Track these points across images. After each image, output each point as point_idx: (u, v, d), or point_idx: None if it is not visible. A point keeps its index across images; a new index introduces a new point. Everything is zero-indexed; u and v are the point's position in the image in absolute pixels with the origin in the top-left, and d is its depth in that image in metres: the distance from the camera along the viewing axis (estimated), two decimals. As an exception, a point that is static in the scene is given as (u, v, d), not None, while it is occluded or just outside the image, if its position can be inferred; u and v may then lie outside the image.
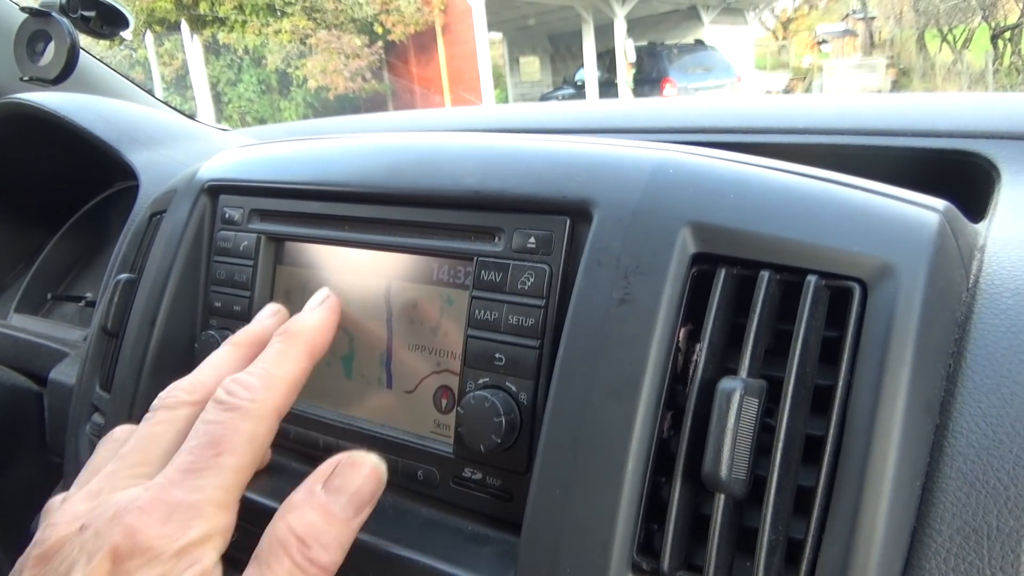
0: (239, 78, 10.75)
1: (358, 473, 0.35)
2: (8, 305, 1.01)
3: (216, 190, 0.54)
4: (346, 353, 0.47)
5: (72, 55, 1.03)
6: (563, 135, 0.46)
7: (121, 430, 0.38)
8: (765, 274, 0.34)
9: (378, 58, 11.09)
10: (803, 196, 0.36)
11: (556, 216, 0.39)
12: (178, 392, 0.37)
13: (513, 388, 0.39)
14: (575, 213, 0.39)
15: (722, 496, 0.33)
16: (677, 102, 0.96)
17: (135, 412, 0.52)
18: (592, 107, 1.00)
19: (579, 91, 13.08)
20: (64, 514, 0.32)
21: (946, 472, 0.31)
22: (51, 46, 1.05)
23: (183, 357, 0.53)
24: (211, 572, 0.31)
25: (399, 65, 11.96)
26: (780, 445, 0.32)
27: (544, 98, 14.08)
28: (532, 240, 0.40)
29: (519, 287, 0.40)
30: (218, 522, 0.32)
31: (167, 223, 0.56)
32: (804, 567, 0.31)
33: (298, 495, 0.34)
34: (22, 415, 0.72)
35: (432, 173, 0.43)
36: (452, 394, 0.43)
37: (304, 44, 10.52)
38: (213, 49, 10.72)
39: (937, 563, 0.30)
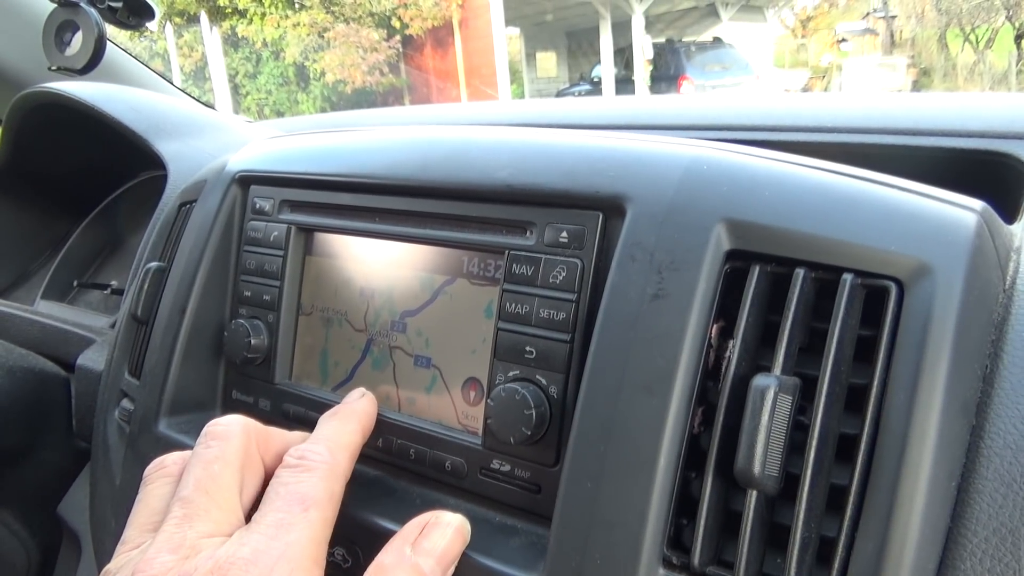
0: (257, 70, 10.80)
1: (444, 534, 0.36)
2: (35, 292, 1.03)
3: (247, 180, 0.54)
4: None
5: (100, 45, 1.04)
6: (594, 130, 0.46)
7: (172, 461, 0.39)
8: (800, 272, 0.34)
9: (395, 52, 11.12)
10: (839, 194, 0.36)
11: (589, 211, 0.39)
12: (232, 424, 0.38)
13: (543, 381, 0.39)
14: (608, 208, 0.39)
15: (754, 492, 0.33)
16: (698, 99, 0.96)
17: (165, 399, 0.52)
18: (614, 104, 1.00)
19: (596, 87, 13.04)
20: (152, 565, 0.32)
21: (982, 473, 0.31)
22: (78, 36, 1.06)
23: (213, 345, 0.54)
24: None
25: (416, 59, 11.97)
26: (814, 442, 0.32)
27: (560, 94, 14.05)
28: (564, 235, 0.40)
29: (551, 281, 0.40)
30: None
31: (198, 213, 0.56)
32: (836, 565, 0.31)
33: (388, 557, 0.35)
34: (49, 400, 0.73)
35: (464, 166, 0.44)
36: (480, 386, 0.43)
37: (322, 37, 10.55)
38: (232, 42, 10.77)
39: (972, 564, 0.30)
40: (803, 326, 0.34)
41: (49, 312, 0.90)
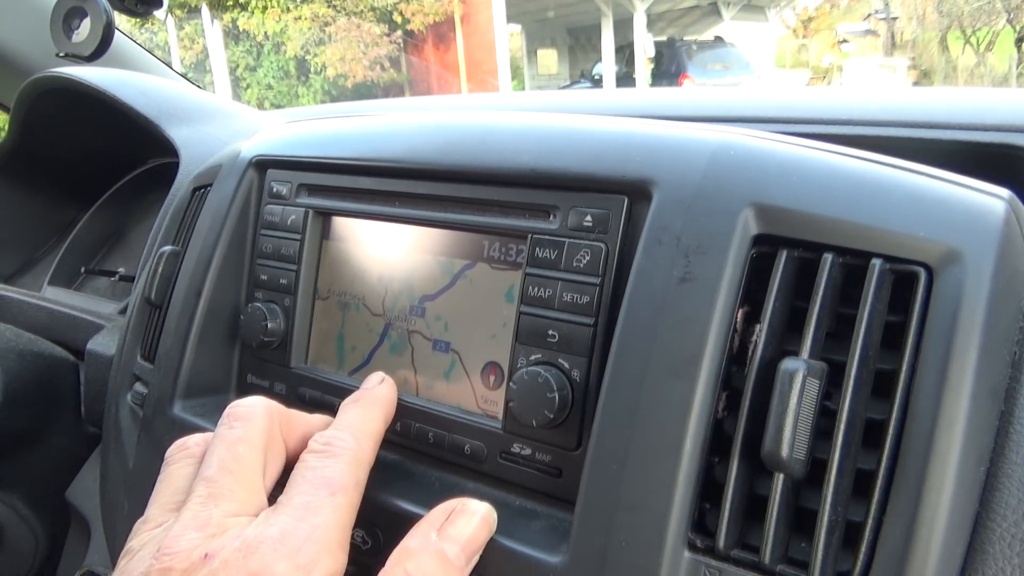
0: (258, 63, 10.78)
1: (471, 522, 0.36)
2: (40, 278, 1.03)
3: (264, 165, 0.54)
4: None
5: (108, 32, 1.04)
6: (617, 116, 0.46)
7: (195, 442, 0.39)
8: (828, 257, 0.34)
9: (397, 47, 11.09)
10: (867, 180, 0.35)
11: (614, 195, 0.39)
12: (256, 406, 0.38)
13: (566, 365, 0.39)
14: (634, 193, 0.39)
15: (780, 476, 0.33)
16: (709, 92, 0.96)
17: (180, 382, 0.52)
18: (616, 96, 1.00)
19: (597, 85, 13.02)
20: (178, 542, 0.32)
21: (1011, 458, 0.31)
22: (86, 22, 1.06)
23: (228, 328, 0.54)
24: None
25: (417, 54, 11.95)
26: (842, 426, 0.32)
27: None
28: (588, 219, 0.40)
29: (574, 265, 0.40)
30: (338, 561, 0.34)
31: (213, 196, 0.56)
32: (863, 548, 0.31)
33: (413, 541, 0.35)
34: (59, 385, 0.72)
35: (487, 150, 0.44)
36: (500, 371, 0.43)
37: (323, 31, 10.53)
38: (233, 35, 10.74)
39: (1001, 547, 0.30)
40: (830, 311, 0.34)
41: (56, 298, 0.90)
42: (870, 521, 0.31)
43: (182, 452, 0.38)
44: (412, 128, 0.49)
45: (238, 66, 10.86)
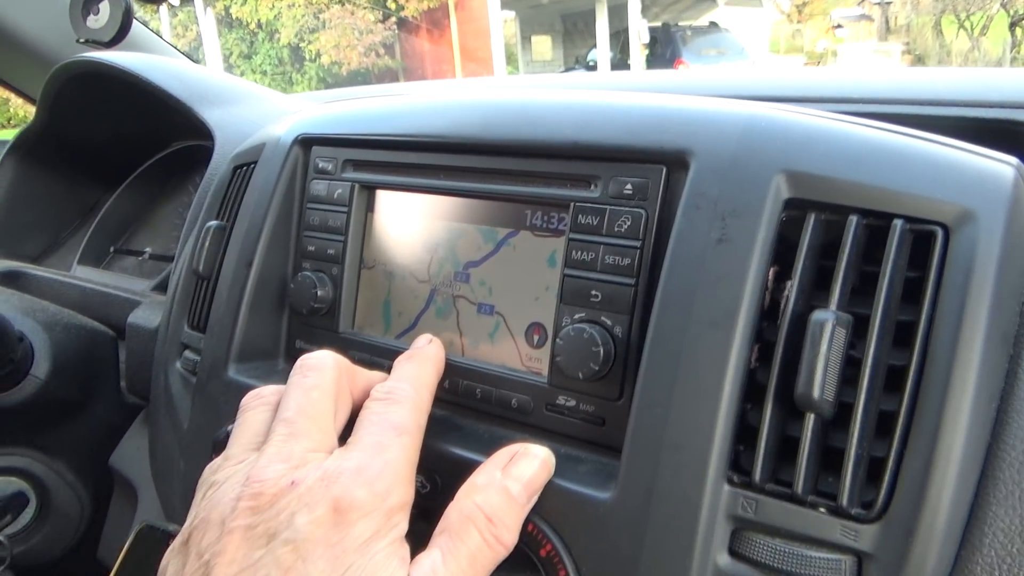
0: (252, 51, 10.72)
1: (532, 464, 0.40)
2: (67, 259, 1.05)
3: (309, 142, 0.57)
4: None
5: (127, 17, 1.06)
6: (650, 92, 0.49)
7: (269, 392, 0.42)
8: (854, 218, 0.37)
9: (391, 34, 11.05)
10: (888, 147, 0.39)
11: (652, 165, 0.42)
12: (325, 357, 0.42)
13: (608, 322, 0.43)
14: (672, 162, 0.42)
15: (811, 416, 0.36)
16: (714, 72, 0.99)
17: (233, 348, 0.55)
18: (612, 78, 1.03)
19: (591, 71, 13.01)
20: (266, 471, 0.36)
21: (1019, 395, 0.34)
22: (104, 8, 1.08)
23: (276, 297, 0.57)
24: (403, 537, 0.36)
25: (412, 41, 11.91)
26: (867, 370, 0.35)
27: (556, 77, 13.99)
28: (629, 187, 0.43)
29: (615, 230, 0.43)
30: (408, 493, 0.37)
31: (259, 173, 0.59)
32: (886, 478, 0.35)
33: (480, 478, 0.39)
34: (100, 358, 0.76)
35: (529, 124, 0.47)
36: (543, 330, 0.46)
37: (317, 18, 10.48)
38: (226, 22, 10.68)
39: (1011, 473, 0.33)
40: (855, 268, 0.38)
41: (88, 276, 0.93)
42: (892, 454, 0.35)
43: (258, 400, 0.42)
44: (454, 105, 0.52)
45: (232, 53, 10.81)
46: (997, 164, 0.38)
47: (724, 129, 0.41)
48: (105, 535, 0.78)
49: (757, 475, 0.37)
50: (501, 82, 1.30)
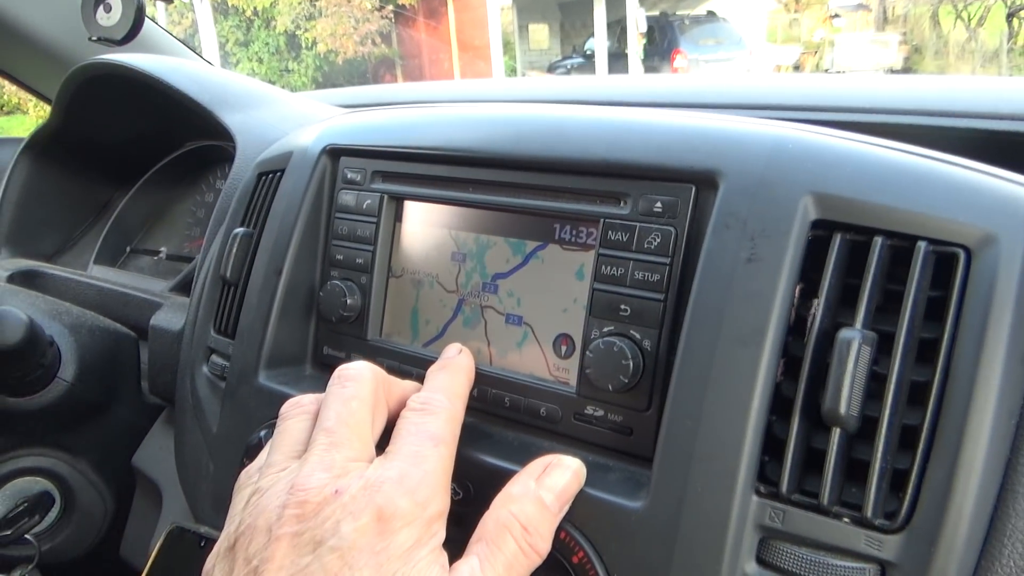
0: (248, 38, 10.67)
1: (564, 475, 0.42)
2: (81, 258, 1.06)
3: (337, 153, 0.58)
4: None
5: (139, 15, 1.06)
6: (675, 109, 0.51)
7: (308, 400, 0.44)
8: (879, 239, 0.39)
9: (388, 22, 11.00)
10: (913, 170, 0.40)
11: (682, 184, 0.44)
12: (363, 368, 0.43)
13: (637, 336, 0.44)
14: (701, 182, 0.43)
15: (837, 430, 0.38)
16: (730, 78, 1.00)
17: (263, 354, 0.57)
18: (607, 82, 1.03)
19: (588, 60, 12.98)
20: (309, 480, 0.37)
21: (1039, 412, 0.36)
22: (116, 6, 1.08)
23: (305, 304, 0.58)
24: (442, 545, 0.38)
25: (408, 30, 11.85)
26: (892, 387, 0.37)
27: (552, 67, 13.97)
28: (659, 205, 0.44)
29: (645, 246, 0.44)
30: (445, 502, 0.39)
31: (287, 182, 0.60)
32: (910, 490, 0.36)
33: (516, 488, 0.40)
34: (123, 359, 0.77)
35: (561, 141, 0.48)
36: (571, 341, 0.48)
37: (314, 6, 10.42)
38: (222, 9, 10.62)
39: (1031, 487, 0.35)
40: (880, 287, 0.39)
41: (104, 276, 0.94)
42: (915, 467, 0.36)
43: (298, 409, 0.43)
44: (484, 118, 0.53)
45: (228, 41, 10.76)
46: (1018, 187, 0.39)
47: (752, 150, 0.42)
48: (128, 534, 0.79)
49: (784, 486, 0.38)
50: (503, 83, 1.31)
